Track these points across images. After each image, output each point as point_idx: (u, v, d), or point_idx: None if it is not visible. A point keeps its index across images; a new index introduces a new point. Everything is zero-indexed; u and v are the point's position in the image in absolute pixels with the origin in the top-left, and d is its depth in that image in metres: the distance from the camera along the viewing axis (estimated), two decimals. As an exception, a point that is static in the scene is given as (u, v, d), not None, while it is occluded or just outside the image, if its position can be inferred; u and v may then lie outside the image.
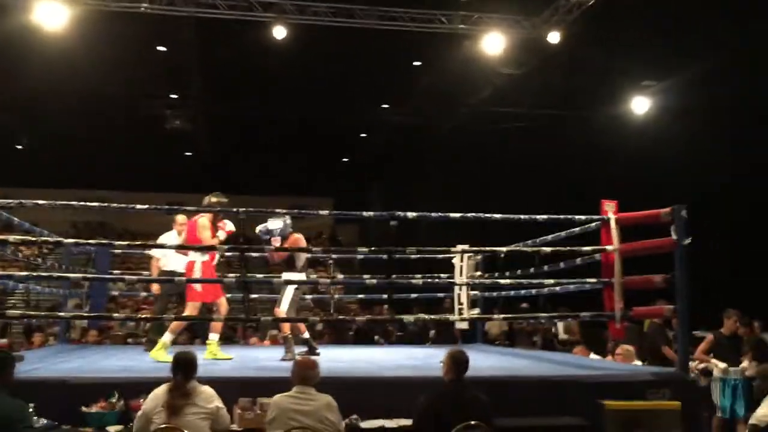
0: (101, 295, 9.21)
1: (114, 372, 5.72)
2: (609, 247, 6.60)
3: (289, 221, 7.30)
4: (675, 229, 6.00)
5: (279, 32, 11.87)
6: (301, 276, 7.33)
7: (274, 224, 7.19)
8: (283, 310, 7.25)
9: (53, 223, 10.10)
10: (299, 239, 7.46)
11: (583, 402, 5.43)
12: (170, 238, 8.18)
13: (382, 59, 14.33)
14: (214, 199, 7.05)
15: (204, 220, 6.95)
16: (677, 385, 5.67)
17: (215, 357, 6.83)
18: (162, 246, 7.87)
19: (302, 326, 7.63)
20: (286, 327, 7.27)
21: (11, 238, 6.27)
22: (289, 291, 7.29)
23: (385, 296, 9.56)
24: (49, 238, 7.60)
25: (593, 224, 6.88)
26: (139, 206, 6.78)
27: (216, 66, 14.81)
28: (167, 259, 8.00)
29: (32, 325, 10.31)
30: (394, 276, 7.09)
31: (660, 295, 7.18)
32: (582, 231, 7.15)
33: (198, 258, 6.97)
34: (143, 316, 10.06)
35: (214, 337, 7.01)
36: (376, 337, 12.41)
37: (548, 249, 6.97)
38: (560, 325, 10.98)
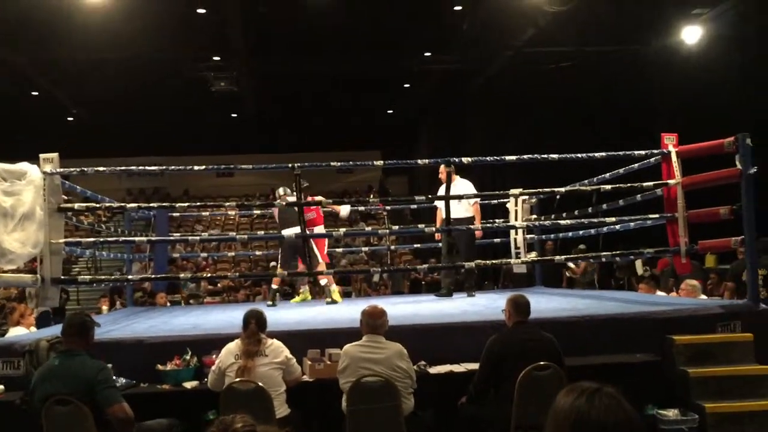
0: (163, 258, 9.41)
1: (185, 330, 5.85)
2: (671, 181, 6.46)
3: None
4: (739, 159, 5.83)
5: (318, -14, 11.75)
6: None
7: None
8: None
9: (108, 191, 10.31)
10: None
11: (651, 338, 5.40)
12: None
13: (422, 7, 14.11)
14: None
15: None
16: (748, 316, 5.57)
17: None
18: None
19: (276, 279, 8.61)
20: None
21: (76, 205, 6.41)
22: None
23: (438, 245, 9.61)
24: (112, 204, 7.74)
25: (653, 159, 6.73)
26: (197, 167, 6.85)
27: (257, 25, 14.75)
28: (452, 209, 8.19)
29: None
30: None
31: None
32: (640, 167, 7.01)
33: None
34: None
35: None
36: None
37: (608, 186, 6.84)
38: (638, 263, 10.91)
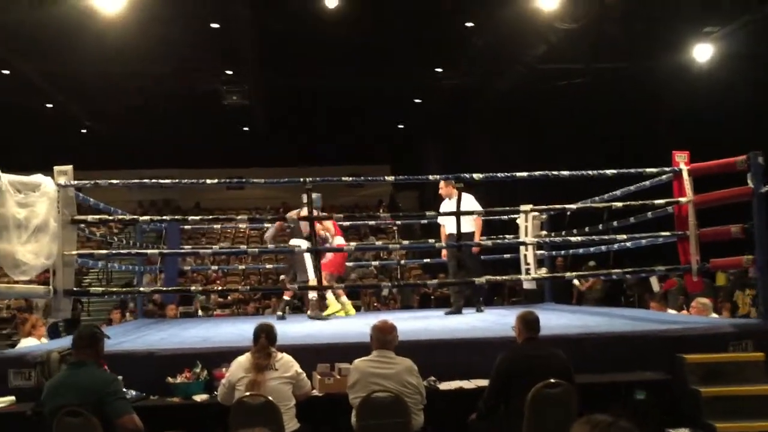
0: (174, 271, 9.44)
1: (195, 343, 5.86)
2: (683, 199, 6.45)
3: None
4: (751, 177, 5.82)
5: (330, 1, 11.82)
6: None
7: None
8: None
9: (118, 202, 10.32)
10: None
11: (662, 356, 5.36)
12: (448, 205, 8.04)
13: (433, 23, 14.18)
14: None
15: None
16: (760, 336, 5.52)
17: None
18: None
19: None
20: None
21: (89, 217, 6.46)
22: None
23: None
24: (124, 216, 7.79)
25: (664, 177, 6.72)
26: (209, 181, 6.89)
27: (269, 39, 14.86)
28: (448, 224, 8.03)
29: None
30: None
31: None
32: (651, 185, 7.00)
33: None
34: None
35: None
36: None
37: (619, 204, 6.83)
38: (654, 280, 10.86)
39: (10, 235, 5.27)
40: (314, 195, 7.33)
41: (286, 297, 8.73)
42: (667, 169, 6.65)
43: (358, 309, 12.02)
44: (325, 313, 8.15)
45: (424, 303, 14.08)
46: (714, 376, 5.23)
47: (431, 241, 9.17)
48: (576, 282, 11.32)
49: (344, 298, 8.58)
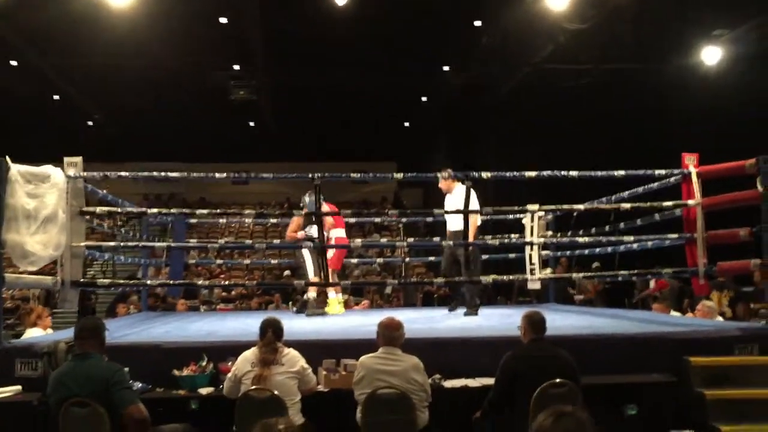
0: (179, 264, 9.43)
1: (201, 337, 5.88)
2: (691, 202, 6.44)
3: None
4: (761, 180, 5.80)
5: (339, -2, 11.82)
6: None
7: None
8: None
9: (123, 195, 10.21)
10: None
11: (668, 359, 5.35)
12: (449, 200, 7.95)
13: (441, 21, 14.16)
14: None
15: None
16: (766, 339, 5.51)
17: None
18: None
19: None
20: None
21: (98, 209, 6.47)
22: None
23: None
24: (133, 209, 7.80)
25: (673, 179, 6.71)
26: (218, 175, 6.90)
27: (277, 35, 14.85)
28: (449, 220, 7.98)
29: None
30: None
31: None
32: (659, 187, 6.99)
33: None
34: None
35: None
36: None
37: (628, 205, 6.82)
38: (653, 283, 10.84)
39: (19, 225, 5.28)
40: (309, 200, 7.33)
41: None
42: (676, 171, 6.64)
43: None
44: (328, 311, 8.14)
45: (427, 301, 14.10)
46: (719, 380, 5.23)
47: (436, 239, 9.16)
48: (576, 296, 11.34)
49: (333, 295, 8.42)
